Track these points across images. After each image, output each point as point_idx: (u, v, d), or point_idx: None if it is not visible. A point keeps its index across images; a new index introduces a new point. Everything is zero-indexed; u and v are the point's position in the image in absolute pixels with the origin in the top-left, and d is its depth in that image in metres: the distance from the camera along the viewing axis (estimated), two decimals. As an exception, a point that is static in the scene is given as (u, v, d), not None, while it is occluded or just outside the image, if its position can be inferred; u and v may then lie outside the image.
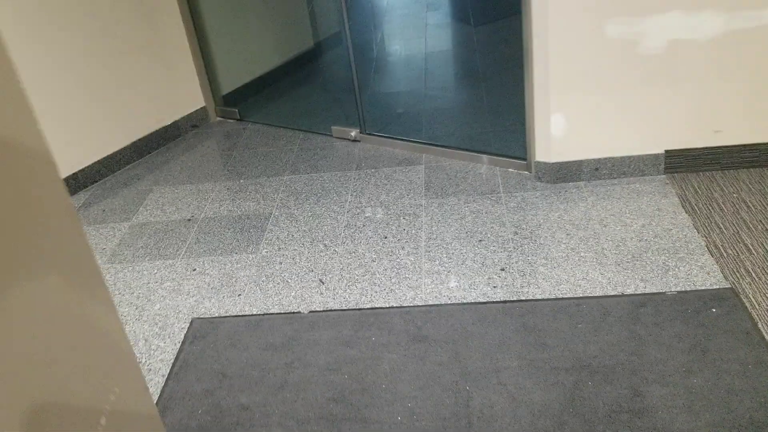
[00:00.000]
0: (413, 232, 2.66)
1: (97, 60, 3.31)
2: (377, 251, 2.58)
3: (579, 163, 2.79)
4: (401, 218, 2.75)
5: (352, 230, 2.73)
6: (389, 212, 2.78)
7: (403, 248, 2.57)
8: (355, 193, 2.98)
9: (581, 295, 2.23)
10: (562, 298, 2.22)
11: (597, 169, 2.80)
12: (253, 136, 3.68)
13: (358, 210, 2.84)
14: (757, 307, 2.06)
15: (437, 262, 2.47)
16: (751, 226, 2.43)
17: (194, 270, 2.63)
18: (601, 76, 2.62)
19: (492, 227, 2.61)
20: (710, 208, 2.56)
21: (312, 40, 4.01)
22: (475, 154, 3.06)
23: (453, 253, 2.50)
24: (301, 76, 4.00)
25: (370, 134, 3.39)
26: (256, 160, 3.40)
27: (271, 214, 2.92)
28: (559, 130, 2.73)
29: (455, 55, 3.75)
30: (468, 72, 3.61)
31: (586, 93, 2.66)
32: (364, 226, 2.74)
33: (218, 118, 3.97)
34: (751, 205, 2.54)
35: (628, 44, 2.55)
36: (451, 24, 3.93)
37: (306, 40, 4.01)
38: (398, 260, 2.52)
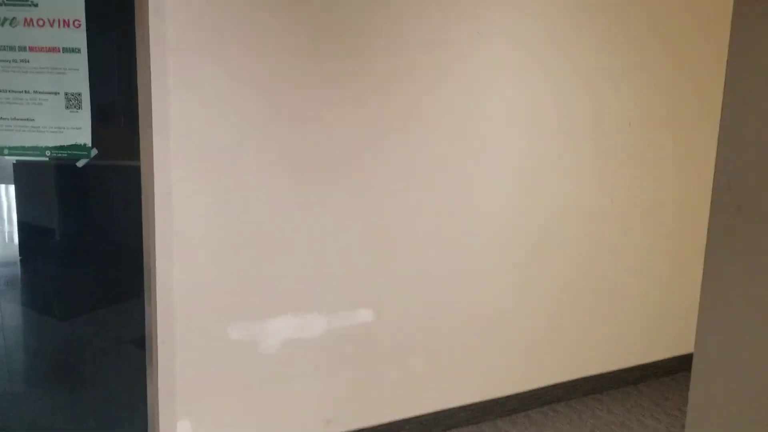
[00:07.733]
0: None
1: None
2: None
3: (205, 470, 2.63)
4: None
5: None
6: None
7: None
8: None
9: None
10: None
11: (223, 474, 2.67)
12: None
13: None
14: None
15: None
16: None
17: None
18: (227, 378, 2.62)
19: None
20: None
21: None
22: (81, 474, 2.64)
23: None
24: None
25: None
26: None
27: None
28: (184, 437, 2.57)
29: (44, 353, 3.33)
30: (67, 373, 3.21)
31: (212, 395, 2.61)
32: None
33: None
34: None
35: (249, 345, 2.65)
36: (34, 317, 3.52)
37: None
38: None
